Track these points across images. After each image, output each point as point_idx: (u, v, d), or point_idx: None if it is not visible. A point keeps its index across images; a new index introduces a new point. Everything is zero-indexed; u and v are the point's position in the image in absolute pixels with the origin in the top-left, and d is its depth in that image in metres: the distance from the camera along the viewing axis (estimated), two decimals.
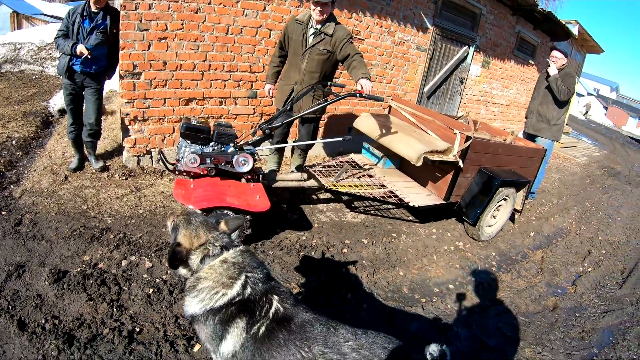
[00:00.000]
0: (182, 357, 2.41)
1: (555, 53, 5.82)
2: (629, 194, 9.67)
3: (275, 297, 1.77)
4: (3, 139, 4.90)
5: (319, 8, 3.75)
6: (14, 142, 4.87)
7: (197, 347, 2.48)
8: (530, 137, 6.31)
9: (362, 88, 3.59)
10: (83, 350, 2.31)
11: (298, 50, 4.00)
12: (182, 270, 1.86)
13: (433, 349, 1.65)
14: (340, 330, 1.68)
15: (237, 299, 1.74)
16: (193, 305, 1.79)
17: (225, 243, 1.88)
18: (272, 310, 1.73)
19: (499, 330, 3.39)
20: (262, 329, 1.68)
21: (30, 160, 4.60)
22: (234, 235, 2.03)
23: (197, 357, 2.44)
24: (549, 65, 5.84)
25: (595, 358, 3.32)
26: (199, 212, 2.21)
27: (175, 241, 1.84)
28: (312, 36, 3.95)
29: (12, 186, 3.95)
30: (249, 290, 1.76)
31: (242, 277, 1.78)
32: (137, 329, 2.54)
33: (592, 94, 46.31)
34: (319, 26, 3.90)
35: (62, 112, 6.45)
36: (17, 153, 4.66)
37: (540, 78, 6.34)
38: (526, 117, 6.50)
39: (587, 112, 31.74)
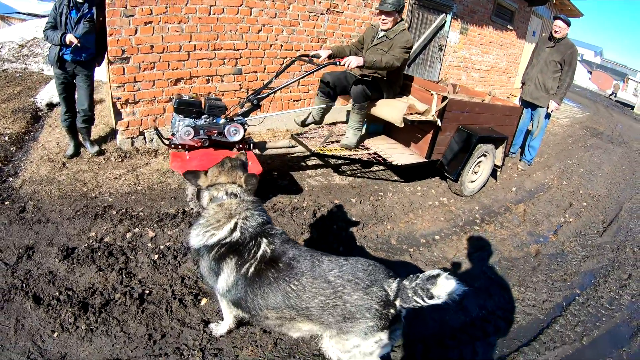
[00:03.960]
0: (191, 310, 2.62)
1: (558, 22, 5.87)
2: (611, 151, 9.93)
3: (264, 239, 2.00)
4: None
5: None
6: (6, 138, 4.94)
7: (204, 301, 2.70)
8: (528, 104, 6.40)
9: (346, 59, 3.89)
10: (98, 314, 2.50)
11: None
12: (200, 202, 2.19)
13: (391, 286, 1.86)
14: (324, 262, 1.93)
15: (226, 240, 1.99)
16: (192, 238, 2.07)
17: (233, 191, 2.11)
18: (260, 252, 1.97)
19: (483, 273, 3.65)
20: (251, 269, 1.93)
21: (25, 153, 4.69)
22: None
23: (205, 310, 2.65)
24: (552, 35, 5.93)
25: (577, 298, 3.58)
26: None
27: (200, 172, 2.19)
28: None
29: (11, 178, 4.04)
30: (237, 234, 2.00)
31: (232, 222, 2.01)
32: (147, 292, 2.73)
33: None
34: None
35: (50, 105, 6.51)
36: (12, 148, 4.75)
37: (539, 44, 6.36)
38: (522, 84, 6.55)
39: (614, 93, 31.66)
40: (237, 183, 2.15)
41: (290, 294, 1.86)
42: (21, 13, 14.88)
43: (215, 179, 2.16)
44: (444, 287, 1.73)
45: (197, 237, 2.05)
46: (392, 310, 1.81)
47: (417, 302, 1.79)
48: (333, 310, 1.82)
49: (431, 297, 1.76)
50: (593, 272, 4.08)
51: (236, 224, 2.02)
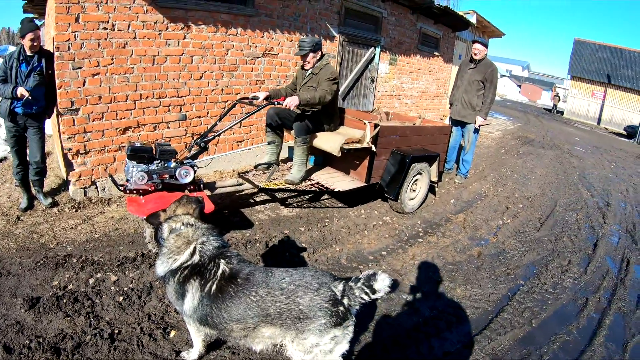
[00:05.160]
0: (161, 343, 2.75)
1: (477, 45, 6.43)
2: (542, 156, 10.77)
3: (222, 260, 2.27)
4: None
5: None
6: None
7: (172, 333, 2.85)
8: (457, 122, 6.90)
9: (286, 100, 4.30)
10: (71, 356, 2.55)
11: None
12: (160, 238, 2.41)
13: (338, 287, 2.15)
14: (276, 273, 2.22)
15: (187, 263, 2.25)
16: (158, 267, 2.32)
17: (188, 221, 2.37)
18: (220, 271, 2.23)
19: (430, 278, 3.97)
20: (214, 287, 2.19)
21: None
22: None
23: (175, 341, 2.79)
24: (473, 57, 6.48)
25: (521, 287, 3.95)
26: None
27: (159, 212, 2.46)
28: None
29: None
30: (197, 257, 2.26)
31: (191, 247, 2.28)
32: (116, 331, 2.81)
33: (505, 75, 49.17)
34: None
35: None
36: None
37: (461, 67, 6.87)
38: (450, 105, 7.03)
39: (555, 106, 32.30)
40: (191, 214, 2.42)
41: (250, 305, 2.11)
42: None
43: (172, 212, 2.44)
44: (383, 281, 2.07)
45: (161, 265, 2.29)
46: (341, 308, 2.08)
47: (363, 298, 2.09)
48: (289, 313, 2.07)
49: (374, 292, 2.08)
50: (534, 263, 4.50)
51: (195, 248, 2.27)
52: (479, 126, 6.71)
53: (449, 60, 12.05)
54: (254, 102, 4.71)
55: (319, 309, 2.06)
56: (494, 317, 3.44)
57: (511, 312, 3.55)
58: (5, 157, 6.52)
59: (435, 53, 11.06)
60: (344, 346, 2.15)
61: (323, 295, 2.09)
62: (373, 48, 8.57)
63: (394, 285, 2.10)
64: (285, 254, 4.10)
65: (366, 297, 2.10)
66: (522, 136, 13.86)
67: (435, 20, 10.46)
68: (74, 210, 4.62)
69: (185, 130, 5.61)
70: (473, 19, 12.23)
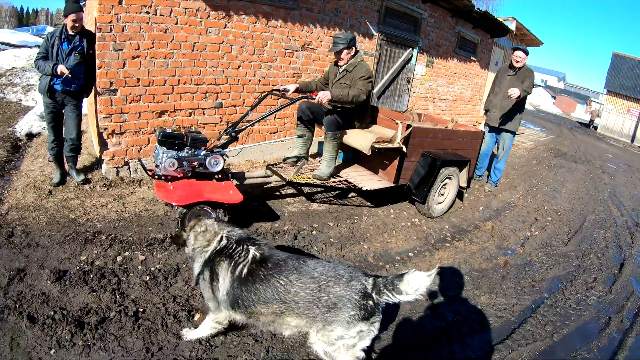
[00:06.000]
0: (185, 325, 2.77)
1: (518, 53, 6.26)
2: (574, 170, 10.48)
3: (252, 246, 2.32)
4: None
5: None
6: None
7: (197, 316, 2.87)
8: (492, 129, 6.76)
9: (318, 95, 4.27)
10: (94, 330, 2.59)
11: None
12: (186, 249, 2.48)
13: (368, 281, 2.16)
14: (309, 262, 2.24)
15: (217, 248, 2.33)
16: (196, 267, 2.40)
17: (210, 221, 2.49)
18: (250, 255, 2.27)
19: (456, 283, 3.92)
20: (245, 270, 2.23)
21: (7, 182, 4.69)
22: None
23: (199, 324, 2.75)
24: (513, 65, 6.30)
25: (545, 301, 3.86)
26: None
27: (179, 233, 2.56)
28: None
29: None
30: (224, 241, 2.35)
31: (218, 236, 2.37)
32: (141, 310, 2.84)
33: (540, 85, 48.18)
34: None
35: (29, 135, 6.55)
36: None
37: (499, 73, 6.69)
38: (487, 111, 6.88)
39: (592, 120, 31.15)
40: (213, 217, 2.60)
41: (279, 289, 2.13)
42: None
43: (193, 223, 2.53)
44: (410, 282, 2.02)
45: (197, 263, 2.39)
46: (370, 302, 2.08)
47: (388, 297, 2.07)
48: (318, 302, 2.08)
49: (399, 293, 2.05)
50: (560, 277, 4.39)
51: (222, 236, 2.37)
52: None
53: (486, 66, 11.88)
54: (285, 94, 4.69)
55: (349, 299, 2.06)
56: (517, 328, 3.40)
57: (534, 324, 3.49)
58: (39, 133, 6.69)
59: (472, 58, 10.93)
60: (366, 342, 2.14)
61: (354, 287, 2.09)
62: (411, 49, 8.50)
63: (422, 290, 2.05)
64: (313, 247, 4.10)
65: (390, 297, 2.08)
66: (555, 148, 13.53)
67: (474, 24, 10.33)
68: (106, 188, 4.69)
69: (220, 117, 5.65)
70: (512, 26, 11.99)
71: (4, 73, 10.43)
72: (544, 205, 6.79)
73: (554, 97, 48.48)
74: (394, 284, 2.07)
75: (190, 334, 2.64)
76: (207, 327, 2.57)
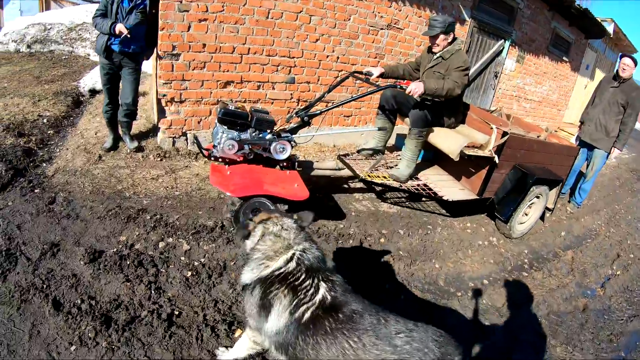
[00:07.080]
0: (223, 341, 2.39)
1: (626, 60, 5.53)
2: None
3: (323, 284, 1.80)
4: (34, 117, 4.90)
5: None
6: (45, 120, 4.88)
7: (238, 332, 2.47)
8: (585, 144, 6.06)
9: (411, 86, 3.69)
10: (121, 332, 2.29)
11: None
12: (244, 243, 2.03)
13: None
14: (391, 322, 1.69)
15: (281, 270, 1.83)
16: (246, 274, 1.90)
17: (289, 223, 1.98)
18: (319, 296, 1.76)
19: (531, 327, 3.40)
20: (307, 314, 1.72)
21: (62, 138, 4.59)
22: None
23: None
24: (619, 73, 5.59)
25: None
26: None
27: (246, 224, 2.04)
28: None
29: (44, 164, 3.93)
30: (293, 264, 1.84)
31: (289, 253, 1.86)
32: (177, 313, 2.52)
33: None
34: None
35: (92, 92, 6.52)
36: (49, 131, 4.67)
37: (602, 83, 6.00)
38: (581, 122, 6.19)
39: None
40: (294, 218, 2.05)
41: (347, 351, 1.62)
42: None
43: (266, 216, 2.07)
44: None
45: (250, 273, 1.90)
46: None
47: None
48: None
49: None
50: (639, 333, 3.78)
51: (293, 254, 1.87)
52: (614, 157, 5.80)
53: (576, 69, 11.02)
54: (369, 78, 4.13)
55: None
56: None
57: None
58: (102, 90, 6.56)
59: (564, 58, 10.13)
60: None
61: None
62: (503, 40, 7.89)
63: None
64: (380, 259, 3.63)
65: None
66: (637, 169, 12.36)
67: (570, 22, 9.48)
68: (159, 159, 4.44)
69: (291, 94, 5.25)
70: (610, 28, 11.12)
71: (75, 27, 10.53)
72: (627, 239, 6.00)
73: None
74: None
75: (224, 355, 2.25)
76: (244, 347, 2.15)
